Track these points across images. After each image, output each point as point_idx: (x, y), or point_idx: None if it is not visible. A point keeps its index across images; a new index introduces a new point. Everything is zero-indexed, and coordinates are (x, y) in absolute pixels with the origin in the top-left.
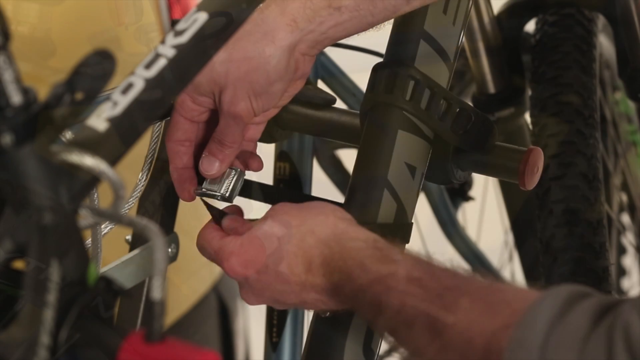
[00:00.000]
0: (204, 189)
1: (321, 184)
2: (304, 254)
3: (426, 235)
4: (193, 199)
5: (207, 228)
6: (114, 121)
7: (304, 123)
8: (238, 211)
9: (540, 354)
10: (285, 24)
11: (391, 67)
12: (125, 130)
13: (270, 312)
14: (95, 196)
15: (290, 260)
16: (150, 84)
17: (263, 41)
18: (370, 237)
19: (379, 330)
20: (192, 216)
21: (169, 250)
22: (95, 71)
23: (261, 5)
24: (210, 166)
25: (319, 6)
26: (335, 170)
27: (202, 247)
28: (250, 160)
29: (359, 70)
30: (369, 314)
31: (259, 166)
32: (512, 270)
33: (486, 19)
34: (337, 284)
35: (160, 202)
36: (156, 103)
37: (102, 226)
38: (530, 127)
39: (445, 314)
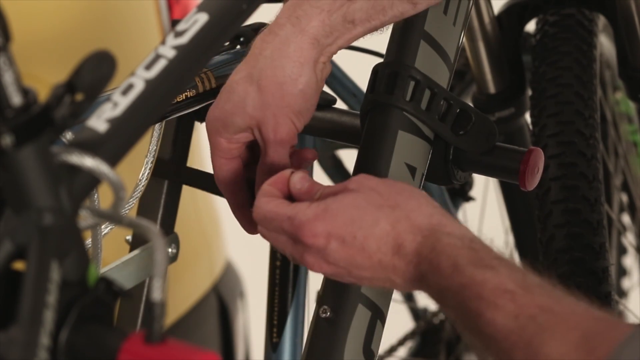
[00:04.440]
0: None
1: None
2: (396, 235)
3: None
4: None
5: (265, 196)
6: (114, 122)
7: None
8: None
9: None
10: (307, 43)
11: (391, 67)
12: (125, 131)
13: (270, 312)
14: (96, 197)
15: (381, 238)
16: (151, 84)
17: (289, 63)
18: (467, 234)
19: (462, 331)
20: (192, 216)
21: (169, 250)
22: (95, 72)
23: (272, 26)
24: None
25: (336, 22)
26: (335, 170)
27: (267, 218)
28: (303, 153)
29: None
30: (453, 315)
31: (313, 155)
32: None
33: (486, 19)
34: (423, 275)
35: (160, 203)
36: (156, 104)
37: (102, 227)
38: (531, 127)
39: (540, 340)
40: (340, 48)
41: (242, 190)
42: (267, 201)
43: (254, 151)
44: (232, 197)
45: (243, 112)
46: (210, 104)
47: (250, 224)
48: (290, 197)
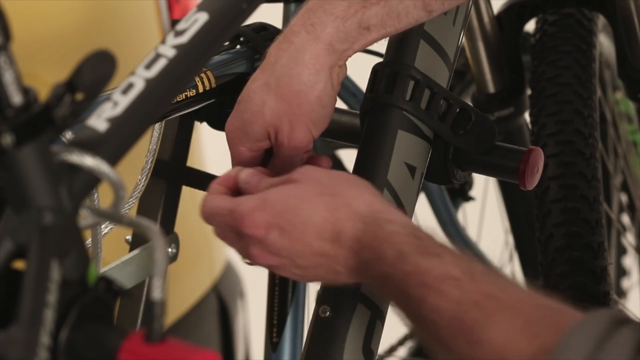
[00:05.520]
0: None
1: None
2: (335, 222)
3: None
4: None
5: (212, 193)
6: (114, 121)
7: None
8: (263, 172)
9: None
10: (323, 50)
11: (391, 67)
12: (125, 131)
13: (270, 312)
14: (96, 196)
15: (319, 225)
16: (151, 84)
17: (305, 71)
18: (408, 223)
19: (404, 321)
20: (192, 216)
21: (169, 250)
22: (95, 71)
23: (287, 33)
24: None
25: (351, 28)
26: (335, 170)
27: (211, 213)
28: (318, 162)
29: None
30: (396, 303)
31: (328, 164)
32: (513, 271)
33: (486, 18)
34: (365, 263)
35: (160, 202)
36: (156, 103)
37: (102, 226)
38: (530, 126)
39: (482, 326)
40: (355, 52)
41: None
42: (212, 198)
43: (267, 155)
44: None
45: (262, 119)
46: (211, 104)
47: None
48: (241, 195)
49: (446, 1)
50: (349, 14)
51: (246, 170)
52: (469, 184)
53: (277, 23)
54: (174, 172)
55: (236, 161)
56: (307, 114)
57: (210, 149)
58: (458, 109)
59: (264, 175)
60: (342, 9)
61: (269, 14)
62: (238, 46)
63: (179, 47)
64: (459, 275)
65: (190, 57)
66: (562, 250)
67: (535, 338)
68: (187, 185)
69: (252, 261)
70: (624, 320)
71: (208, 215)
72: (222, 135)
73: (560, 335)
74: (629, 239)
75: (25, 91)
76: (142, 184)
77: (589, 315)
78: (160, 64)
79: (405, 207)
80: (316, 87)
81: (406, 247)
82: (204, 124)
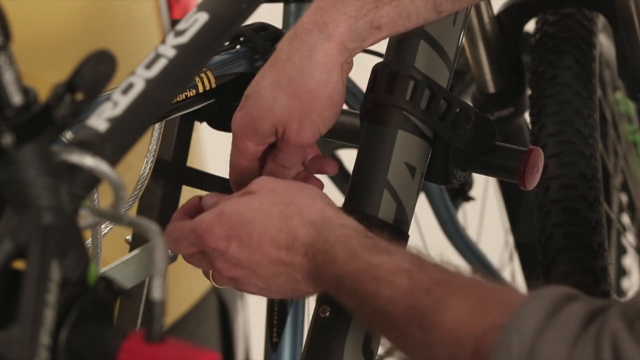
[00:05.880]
0: None
1: None
2: (289, 230)
3: (426, 236)
4: None
5: (172, 222)
6: (115, 121)
7: None
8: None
9: (528, 359)
10: (335, 49)
11: (391, 67)
12: (125, 131)
13: (270, 312)
14: (96, 196)
15: (274, 234)
16: (151, 84)
17: (317, 70)
18: (359, 226)
19: (361, 320)
20: None
21: (169, 250)
22: (95, 71)
23: (298, 30)
24: None
25: (362, 27)
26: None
27: (175, 239)
28: (325, 165)
29: None
30: (351, 302)
31: (334, 169)
32: (513, 271)
33: (486, 18)
34: (319, 267)
35: (160, 202)
36: (157, 103)
37: (102, 226)
38: (530, 126)
39: (434, 310)
40: (362, 49)
41: None
42: (174, 225)
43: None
44: None
45: (271, 116)
46: (211, 104)
47: None
48: None
49: (456, 2)
50: (361, 14)
51: (207, 196)
52: (469, 184)
53: (277, 23)
54: (174, 172)
55: (239, 155)
56: (318, 112)
57: (210, 149)
58: (458, 109)
59: (226, 196)
60: (354, 8)
61: (269, 14)
62: (238, 46)
63: (179, 47)
64: (409, 267)
65: (190, 57)
66: (562, 250)
67: (485, 316)
68: (187, 185)
69: (219, 275)
70: (575, 295)
71: (173, 241)
72: (222, 135)
73: (510, 312)
74: (629, 239)
75: (25, 91)
76: (142, 184)
77: (538, 291)
78: (160, 64)
79: (405, 207)
80: (328, 85)
81: (357, 247)
82: (204, 124)
